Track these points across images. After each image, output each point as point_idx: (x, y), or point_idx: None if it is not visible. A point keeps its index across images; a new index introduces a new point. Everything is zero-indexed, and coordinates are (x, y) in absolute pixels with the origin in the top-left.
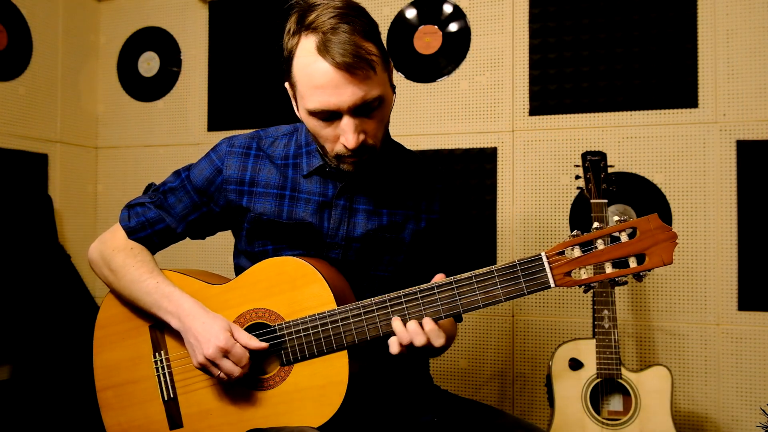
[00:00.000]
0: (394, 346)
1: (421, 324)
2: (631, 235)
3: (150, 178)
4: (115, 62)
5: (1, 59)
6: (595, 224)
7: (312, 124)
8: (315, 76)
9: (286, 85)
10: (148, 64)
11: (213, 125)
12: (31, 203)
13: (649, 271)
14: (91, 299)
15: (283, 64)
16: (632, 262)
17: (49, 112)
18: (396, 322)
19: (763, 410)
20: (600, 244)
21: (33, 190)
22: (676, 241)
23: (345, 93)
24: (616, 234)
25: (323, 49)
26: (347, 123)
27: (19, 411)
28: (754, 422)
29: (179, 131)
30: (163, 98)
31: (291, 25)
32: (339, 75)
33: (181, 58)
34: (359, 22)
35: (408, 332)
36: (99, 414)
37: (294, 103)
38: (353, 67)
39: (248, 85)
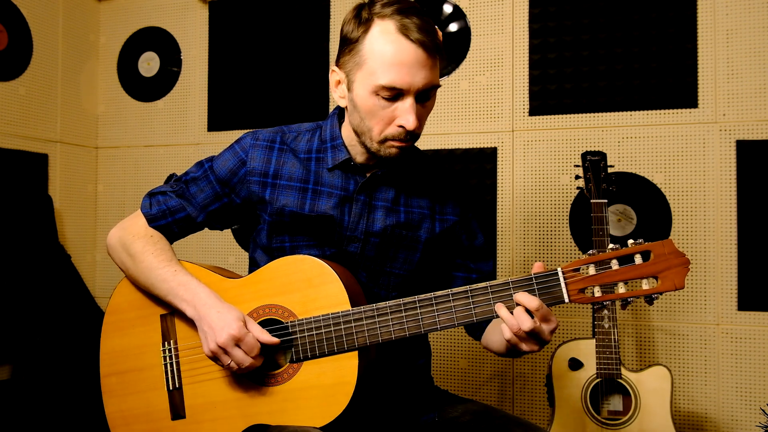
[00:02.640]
0: (506, 331)
1: (526, 309)
2: (644, 258)
3: (150, 177)
4: (115, 62)
5: (1, 59)
6: (611, 246)
7: (372, 102)
8: (395, 53)
9: (335, 68)
10: (148, 64)
11: (213, 125)
12: (31, 203)
13: (660, 294)
14: (91, 299)
15: (342, 45)
16: (645, 284)
17: (49, 112)
18: (502, 310)
19: (763, 410)
20: (614, 264)
21: (33, 190)
22: (689, 267)
23: (419, 74)
24: (631, 255)
25: (405, 30)
26: (411, 104)
27: (19, 411)
28: (754, 422)
29: (179, 131)
30: (163, 98)
31: (363, 13)
32: (419, 55)
33: (181, 58)
34: (427, 20)
35: (515, 317)
36: (100, 412)
37: (339, 87)
38: (432, 50)
39: (248, 86)
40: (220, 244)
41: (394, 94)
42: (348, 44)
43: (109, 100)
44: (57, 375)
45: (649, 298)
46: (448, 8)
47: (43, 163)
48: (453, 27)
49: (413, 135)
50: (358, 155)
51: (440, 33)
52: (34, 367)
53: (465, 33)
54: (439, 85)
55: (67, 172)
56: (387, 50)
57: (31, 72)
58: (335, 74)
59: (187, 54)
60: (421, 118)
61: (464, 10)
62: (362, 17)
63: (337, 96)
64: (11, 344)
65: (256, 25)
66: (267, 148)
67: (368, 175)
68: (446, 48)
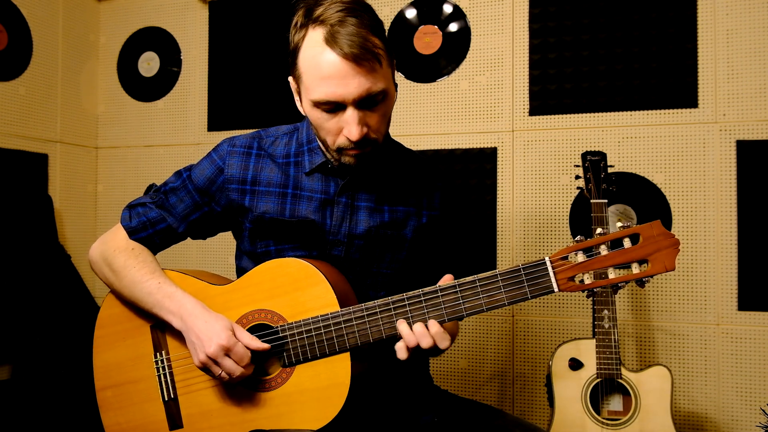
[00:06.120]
0: (401, 351)
1: (426, 326)
2: (633, 241)
3: (150, 178)
4: (115, 62)
5: (1, 59)
6: (599, 230)
7: (316, 116)
8: (322, 67)
9: (290, 79)
10: (148, 64)
11: (213, 125)
12: (31, 203)
13: (651, 277)
14: (91, 299)
15: (289, 57)
16: (635, 268)
17: (49, 112)
18: (402, 325)
19: (763, 410)
20: (603, 250)
21: (33, 190)
22: (679, 247)
23: (351, 84)
24: (620, 239)
25: (331, 40)
26: (351, 115)
27: (19, 411)
28: (754, 422)
29: (179, 131)
30: (163, 98)
31: (298, 18)
32: (346, 66)
33: (181, 58)
34: (366, 16)
35: (414, 335)
36: (98, 414)
37: (297, 98)
38: (360, 58)
39: (248, 85)
40: (219, 245)
41: (332, 107)
42: (291, 55)
43: (109, 100)
44: (57, 375)
45: (640, 281)
46: (448, 8)
47: (43, 163)
48: (453, 27)
49: (367, 141)
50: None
51: (375, 39)
52: (34, 367)
53: (465, 33)
54: (383, 89)
55: (67, 172)
56: (315, 64)
57: (31, 72)
58: (292, 84)
59: (187, 54)
60: (372, 124)
61: (464, 10)
62: (299, 24)
63: (298, 106)
64: (11, 344)
65: (256, 25)
66: (244, 154)
67: (348, 175)
68: (446, 48)
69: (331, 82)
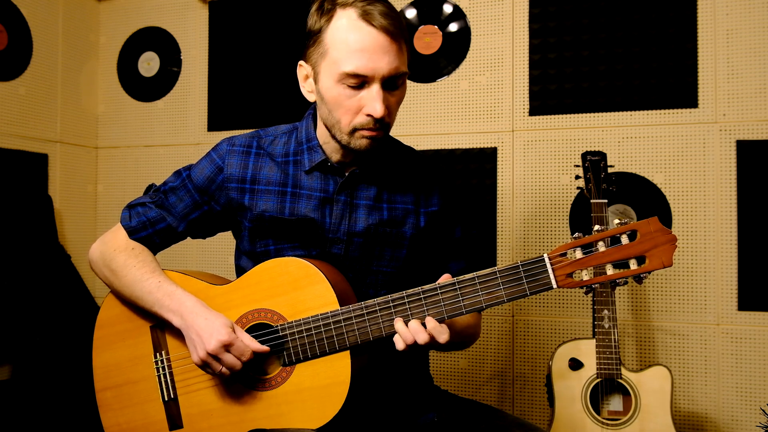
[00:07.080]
0: (398, 342)
1: (423, 323)
2: (631, 238)
3: (150, 178)
4: (115, 62)
5: (1, 59)
6: (596, 227)
7: (337, 92)
8: (357, 39)
9: (301, 63)
10: (148, 64)
11: (213, 125)
12: (31, 203)
13: (649, 273)
14: (91, 299)
15: (306, 39)
16: (633, 264)
17: (49, 112)
18: (398, 324)
19: (763, 410)
20: (601, 246)
21: (33, 190)
22: (676, 243)
23: (383, 59)
24: (617, 236)
25: (367, 16)
26: (377, 91)
27: (19, 411)
28: (754, 422)
29: (179, 131)
30: (163, 98)
31: (324, 4)
32: (382, 38)
33: (181, 58)
34: (390, 5)
35: (410, 331)
36: (98, 414)
37: (308, 82)
38: (394, 34)
39: (248, 85)
40: (219, 245)
41: (359, 81)
42: (312, 36)
43: (109, 100)
44: (57, 375)
45: (638, 277)
46: (448, 8)
47: (43, 163)
48: (453, 27)
49: (383, 124)
50: (334, 153)
51: (402, 24)
52: (34, 367)
53: (465, 33)
54: (406, 72)
55: (67, 172)
56: (349, 37)
57: (31, 72)
58: (302, 69)
59: (187, 54)
60: (390, 107)
61: (464, 10)
62: (324, 8)
63: (306, 91)
64: (11, 344)
65: (256, 25)
66: (243, 153)
67: (347, 173)
68: (446, 48)
69: (365, 55)
